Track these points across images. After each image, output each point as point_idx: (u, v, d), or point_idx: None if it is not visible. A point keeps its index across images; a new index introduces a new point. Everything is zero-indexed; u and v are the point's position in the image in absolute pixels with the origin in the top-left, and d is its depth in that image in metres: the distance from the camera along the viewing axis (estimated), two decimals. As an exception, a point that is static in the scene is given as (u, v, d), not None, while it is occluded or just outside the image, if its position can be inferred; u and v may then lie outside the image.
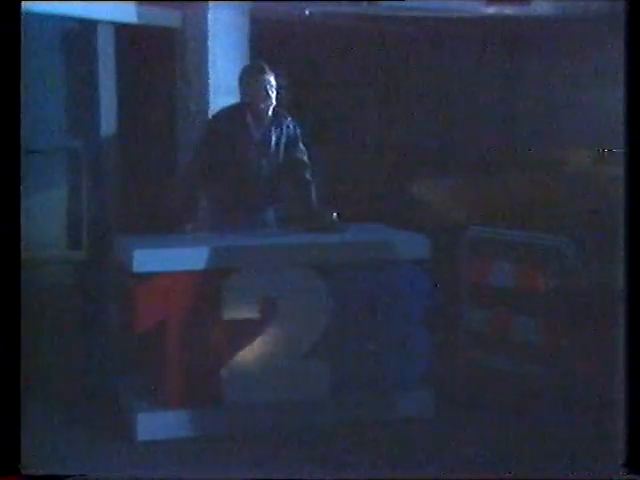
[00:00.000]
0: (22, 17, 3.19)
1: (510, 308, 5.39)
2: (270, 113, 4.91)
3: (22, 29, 3.22)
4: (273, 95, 4.86)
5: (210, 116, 5.23)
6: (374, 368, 4.65)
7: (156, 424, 4.39)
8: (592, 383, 4.51)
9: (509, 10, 5.94)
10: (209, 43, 5.38)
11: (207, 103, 5.38)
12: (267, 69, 4.86)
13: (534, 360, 5.19)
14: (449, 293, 5.49)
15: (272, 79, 4.85)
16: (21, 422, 3.19)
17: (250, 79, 4.86)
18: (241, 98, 4.94)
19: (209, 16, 5.36)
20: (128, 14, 5.21)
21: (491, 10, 5.91)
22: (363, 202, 6.17)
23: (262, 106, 4.87)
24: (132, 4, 5.23)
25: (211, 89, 5.40)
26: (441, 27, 6.32)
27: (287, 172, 5.06)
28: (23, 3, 3.17)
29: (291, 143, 5.02)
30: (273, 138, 4.97)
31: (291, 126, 5.02)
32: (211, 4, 5.38)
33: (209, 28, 5.37)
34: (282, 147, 5.01)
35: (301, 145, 5.06)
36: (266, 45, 5.49)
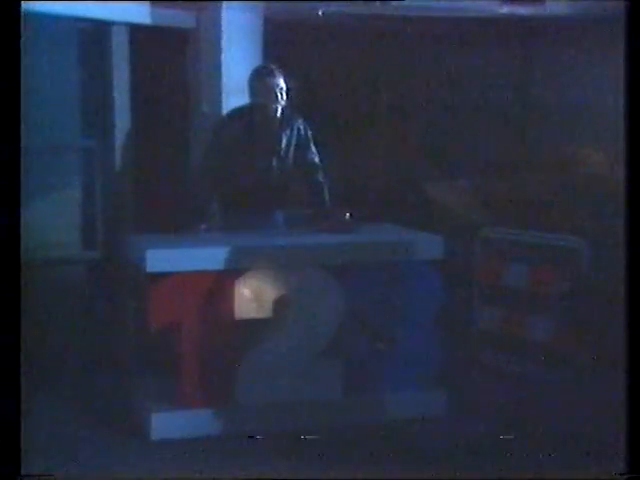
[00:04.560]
0: (37, 18, 3.19)
1: (523, 308, 5.39)
2: (280, 115, 4.91)
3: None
4: (283, 97, 4.86)
5: (220, 117, 5.23)
6: (386, 368, 4.65)
7: (170, 424, 4.41)
8: (605, 383, 4.49)
9: (523, 10, 5.92)
10: (222, 44, 5.38)
11: (220, 104, 5.38)
12: (276, 71, 4.86)
13: (547, 361, 5.18)
14: (462, 293, 5.49)
15: (281, 81, 4.84)
16: (34, 421, 3.19)
17: (259, 82, 4.86)
18: (251, 100, 4.94)
19: (222, 17, 5.37)
20: (142, 15, 5.22)
21: (505, 10, 5.89)
22: (376, 203, 6.17)
23: (272, 108, 4.87)
24: (146, 5, 5.24)
25: (224, 89, 5.40)
26: (455, 27, 6.30)
27: (300, 174, 5.06)
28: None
29: (302, 145, 5.02)
30: (284, 139, 4.97)
31: (302, 127, 5.02)
32: (224, 5, 5.38)
33: (222, 29, 5.37)
34: (293, 148, 5.01)
35: (313, 147, 5.05)
36: (279, 46, 5.49)
